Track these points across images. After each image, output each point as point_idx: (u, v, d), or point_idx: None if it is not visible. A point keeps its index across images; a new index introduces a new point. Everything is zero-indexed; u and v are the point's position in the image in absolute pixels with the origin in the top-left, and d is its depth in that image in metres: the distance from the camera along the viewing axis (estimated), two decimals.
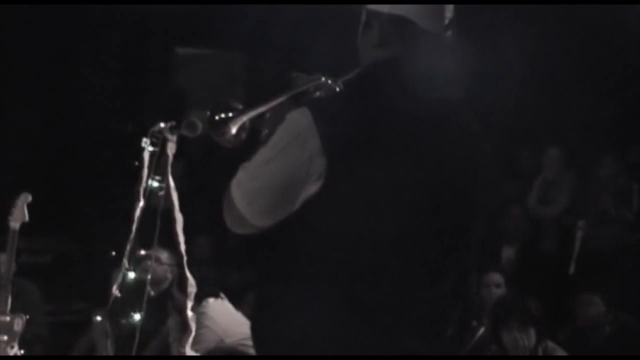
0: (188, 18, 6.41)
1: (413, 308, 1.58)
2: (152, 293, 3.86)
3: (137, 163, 2.74)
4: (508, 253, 5.44)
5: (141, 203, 2.71)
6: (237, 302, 4.05)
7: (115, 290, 2.95)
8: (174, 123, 2.60)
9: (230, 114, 1.71)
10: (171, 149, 2.62)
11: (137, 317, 3.33)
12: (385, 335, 1.56)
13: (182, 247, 2.78)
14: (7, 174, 5.83)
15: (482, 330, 3.82)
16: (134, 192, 2.74)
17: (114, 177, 5.99)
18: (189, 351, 3.01)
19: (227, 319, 3.84)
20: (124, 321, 3.82)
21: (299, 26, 5.56)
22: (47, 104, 6.50)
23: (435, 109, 1.64)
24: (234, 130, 1.71)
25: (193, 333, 2.97)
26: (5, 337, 3.62)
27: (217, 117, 1.71)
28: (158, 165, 2.71)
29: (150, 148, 2.68)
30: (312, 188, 1.56)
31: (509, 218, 5.44)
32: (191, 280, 2.86)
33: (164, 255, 4.06)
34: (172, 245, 2.93)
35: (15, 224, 3.63)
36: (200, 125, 2.14)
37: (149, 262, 3.65)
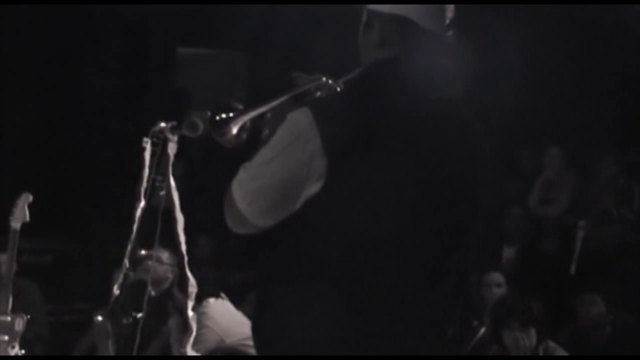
0: (189, 18, 6.42)
1: (414, 308, 1.58)
2: (153, 293, 3.87)
3: (138, 163, 2.75)
4: (508, 253, 5.44)
5: (142, 203, 2.71)
6: (238, 302, 4.05)
7: (116, 290, 2.95)
8: (174, 123, 2.60)
9: (231, 114, 1.71)
10: (172, 149, 2.62)
11: (138, 317, 3.33)
12: (385, 335, 1.56)
13: (183, 247, 2.78)
14: (8, 174, 5.83)
15: (483, 330, 3.82)
16: (134, 192, 2.74)
17: (114, 177, 5.99)
18: (189, 351, 3.01)
19: (227, 319, 3.84)
20: (125, 321, 3.83)
21: (299, 26, 5.56)
22: (47, 103, 6.50)
23: (436, 108, 1.64)
24: (234, 131, 1.71)
25: (194, 333, 2.97)
26: (6, 337, 3.62)
27: (217, 118, 1.71)
28: (159, 165, 2.71)
29: (152, 148, 2.68)
30: (313, 188, 1.56)
31: (510, 218, 5.44)
32: (192, 280, 2.86)
33: (165, 255, 4.06)
34: (173, 245, 2.93)
35: (16, 224, 3.64)
36: (201, 125, 2.14)
37: (149, 262, 3.66)
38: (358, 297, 1.55)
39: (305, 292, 1.56)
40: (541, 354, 3.57)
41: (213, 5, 6.16)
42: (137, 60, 6.85)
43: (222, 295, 3.96)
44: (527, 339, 3.51)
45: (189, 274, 2.87)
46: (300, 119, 1.59)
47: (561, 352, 3.68)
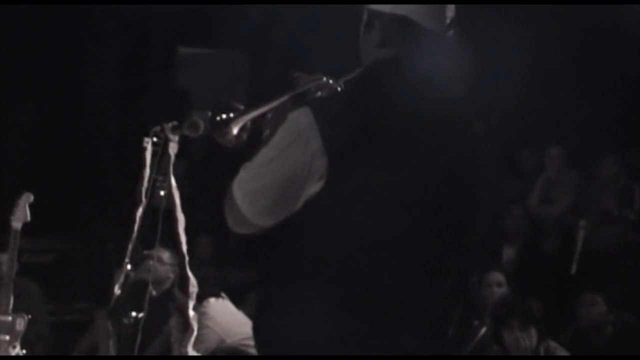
0: (189, 18, 6.42)
1: (414, 308, 1.58)
2: (154, 293, 3.87)
3: (139, 163, 2.75)
4: (508, 253, 5.44)
5: (143, 203, 2.71)
6: (238, 302, 4.05)
7: (117, 290, 2.95)
8: (175, 123, 2.60)
9: (232, 115, 1.71)
10: (173, 149, 2.62)
11: (139, 317, 3.33)
12: (386, 335, 1.56)
13: (184, 247, 2.79)
14: (9, 174, 5.84)
15: (483, 330, 3.82)
16: (135, 192, 2.75)
17: (115, 177, 6.00)
18: (190, 351, 3.01)
19: (228, 318, 3.84)
20: (125, 321, 3.83)
21: (300, 26, 5.56)
22: (48, 103, 6.51)
23: (437, 108, 1.64)
24: (235, 131, 1.72)
25: (195, 333, 2.97)
26: (7, 337, 3.62)
27: (218, 118, 1.71)
28: (160, 165, 2.71)
29: (153, 148, 2.68)
30: (314, 188, 1.56)
31: (510, 218, 5.44)
32: (192, 280, 2.86)
33: (166, 255, 4.07)
34: (174, 245, 2.93)
35: (17, 224, 3.64)
36: (202, 125, 2.14)
37: (150, 262, 3.66)
38: (358, 296, 1.55)
39: (306, 292, 1.56)
40: (542, 353, 3.56)
41: (213, 5, 6.16)
42: (137, 60, 6.85)
43: (223, 295, 3.96)
44: (528, 339, 3.51)
45: (190, 274, 2.87)
46: (300, 118, 1.59)
47: (562, 352, 3.67)
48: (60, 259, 6.09)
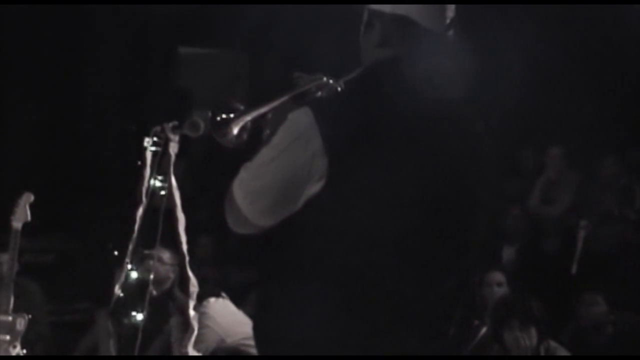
0: (190, 18, 6.42)
1: (414, 308, 1.58)
2: (155, 293, 3.87)
3: (139, 162, 2.75)
4: (508, 253, 5.44)
5: (143, 203, 2.72)
6: (239, 302, 4.05)
7: (117, 290, 2.95)
8: (176, 123, 2.60)
9: (232, 115, 1.71)
10: (173, 148, 2.62)
11: (139, 316, 3.33)
12: (386, 335, 1.56)
13: (184, 247, 2.79)
14: (9, 174, 5.84)
15: (484, 329, 3.82)
16: (136, 191, 2.75)
17: (116, 177, 6.00)
18: (191, 351, 3.01)
19: (228, 318, 3.83)
20: (126, 321, 3.83)
21: (300, 26, 5.56)
22: (49, 103, 6.51)
23: (437, 108, 1.64)
24: (235, 131, 1.72)
25: (195, 332, 2.98)
26: (8, 337, 3.63)
27: (218, 118, 1.71)
28: (160, 165, 2.71)
29: (153, 148, 2.69)
30: (314, 188, 1.56)
31: (509, 218, 5.44)
32: (193, 279, 2.86)
33: (166, 255, 4.07)
34: (174, 245, 2.93)
35: (17, 224, 3.64)
36: (202, 125, 2.15)
37: (151, 262, 3.66)
38: (359, 296, 1.55)
39: (306, 292, 1.56)
40: (542, 353, 3.56)
41: (214, 5, 6.17)
42: (138, 60, 6.86)
43: (223, 294, 3.96)
44: (528, 339, 3.51)
45: (190, 274, 2.87)
46: (301, 118, 1.59)
47: (562, 352, 3.67)
48: (60, 258, 6.09)
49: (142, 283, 3.69)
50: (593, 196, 5.44)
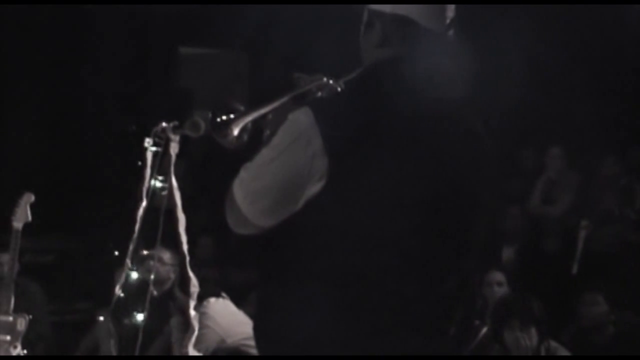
0: (190, 18, 6.42)
1: (415, 308, 1.58)
2: (155, 293, 3.87)
3: (140, 163, 2.75)
4: (508, 253, 5.44)
5: (144, 203, 2.72)
6: (239, 302, 4.05)
7: (118, 290, 2.95)
8: (176, 123, 2.60)
9: (232, 116, 1.71)
10: (174, 149, 2.62)
11: (140, 317, 3.33)
12: (387, 335, 1.56)
13: (185, 247, 2.79)
14: (10, 174, 5.84)
15: (484, 329, 3.82)
16: (136, 192, 2.75)
17: (116, 177, 6.00)
18: (191, 351, 3.01)
19: (228, 318, 3.83)
20: (127, 321, 3.83)
21: (300, 26, 5.56)
22: (49, 103, 6.51)
23: (437, 108, 1.64)
24: (236, 132, 1.72)
25: (196, 333, 2.97)
26: (8, 337, 3.63)
27: (219, 119, 1.71)
28: (161, 165, 2.71)
29: (153, 148, 2.69)
30: (314, 188, 1.56)
31: (508, 218, 5.45)
32: (194, 280, 2.86)
33: (167, 256, 4.07)
34: (175, 245, 2.93)
35: (18, 224, 3.65)
36: (203, 125, 2.14)
37: (151, 262, 3.66)
38: (359, 296, 1.55)
39: (306, 292, 1.56)
40: (543, 353, 3.56)
41: (214, 5, 6.17)
42: (138, 60, 6.86)
43: (223, 294, 3.96)
44: (528, 339, 3.51)
45: (191, 274, 2.87)
46: (301, 119, 1.59)
47: (563, 352, 3.67)
48: (61, 259, 6.10)
49: (142, 283, 3.70)
50: (593, 196, 5.44)
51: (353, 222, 1.56)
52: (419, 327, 1.59)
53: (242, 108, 1.74)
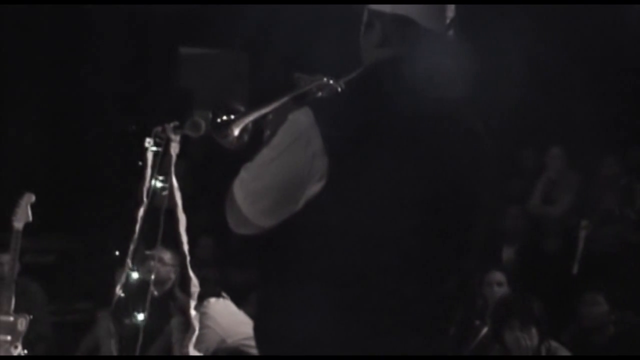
0: (190, 18, 6.42)
1: (415, 308, 1.58)
2: (156, 293, 3.87)
3: (140, 163, 2.75)
4: (508, 253, 5.44)
5: (144, 203, 2.72)
6: (240, 302, 4.05)
7: (118, 290, 2.96)
8: (177, 123, 2.60)
9: (233, 116, 1.72)
10: (174, 149, 2.62)
11: (140, 317, 3.34)
12: (387, 335, 1.56)
13: (185, 247, 2.79)
14: (10, 174, 5.84)
15: (485, 329, 3.82)
16: (137, 192, 2.75)
17: (117, 177, 6.00)
18: (192, 351, 3.02)
19: (228, 318, 3.83)
20: (127, 321, 3.84)
21: (300, 26, 5.56)
22: (49, 103, 6.52)
23: (437, 108, 1.64)
24: (236, 133, 1.72)
25: (196, 332, 2.98)
26: (9, 337, 3.63)
27: (219, 120, 1.71)
28: (161, 165, 2.71)
29: (154, 148, 2.69)
30: (315, 188, 1.57)
31: (508, 218, 5.45)
32: (194, 280, 2.86)
33: (167, 256, 4.07)
34: (175, 245, 2.93)
35: (18, 224, 3.65)
36: (203, 125, 2.14)
37: (152, 263, 3.66)
38: (359, 297, 1.55)
39: (307, 292, 1.56)
40: (543, 353, 3.56)
41: (214, 5, 6.17)
42: (138, 60, 6.86)
43: (224, 294, 3.96)
44: (529, 339, 3.51)
45: (192, 274, 2.87)
46: (301, 119, 1.59)
47: (563, 352, 3.67)
48: (61, 259, 6.10)
49: (143, 283, 3.70)
50: (594, 196, 5.44)
51: (353, 222, 1.56)
52: (419, 327, 1.59)
53: (242, 108, 1.74)
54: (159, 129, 2.65)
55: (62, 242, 6.18)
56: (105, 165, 6.48)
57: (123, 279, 2.94)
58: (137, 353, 2.92)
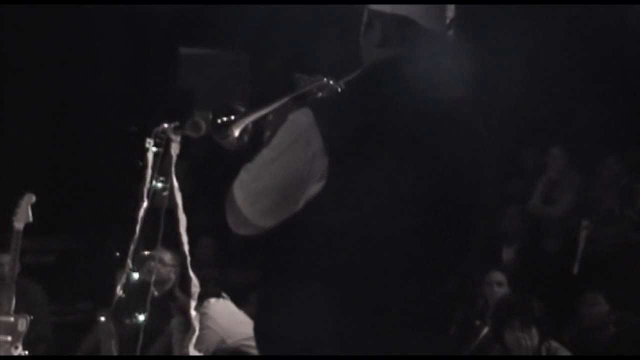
0: (191, 18, 6.42)
1: (416, 308, 1.58)
2: (156, 294, 3.87)
3: (141, 163, 2.75)
4: (508, 253, 5.44)
5: (145, 203, 2.72)
6: (240, 303, 4.06)
7: (119, 291, 2.96)
8: (177, 123, 2.60)
9: (233, 117, 1.72)
10: (175, 149, 2.62)
11: (141, 317, 3.34)
12: (387, 335, 1.56)
13: (186, 247, 2.79)
14: (11, 175, 5.84)
15: (486, 329, 3.83)
16: (137, 192, 2.75)
17: (117, 178, 6.00)
18: (192, 351, 3.02)
19: (228, 319, 3.83)
20: (127, 321, 3.84)
21: (300, 27, 5.56)
22: (50, 104, 6.52)
23: (438, 108, 1.64)
24: (236, 133, 1.72)
25: (196, 333, 2.98)
26: (10, 338, 3.63)
27: (219, 121, 1.71)
28: (162, 165, 2.71)
29: (154, 148, 2.69)
30: (315, 188, 1.57)
31: (508, 218, 5.45)
32: (194, 280, 2.86)
33: (167, 257, 4.07)
34: (175, 246, 2.93)
35: (19, 225, 3.65)
36: (204, 126, 2.14)
37: (152, 263, 3.67)
38: (360, 297, 1.55)
39: (307, 292, 1.56)
40: (544, 353, 3.56)
41: (215, 5, 6.17)
42: (138, 60, 6.86)
43: (224, 295, 3.96)
44: (529, 339, 3.51)
45: (192, 274, 2.87)
46: (301, 119, 1.59)
47: (564, 352, 3.67)
48: (62, 259, 6.10)
49: (143, 284, 3.70)
50: (594, 196, 5.44)
51: (353, 223, 1.56)
52: (419, 327, 1.59)
53: (242, 109, 1.74)
54: (160, 129, 2.65)
55: (62, 243, 6.18)
56: (105, 165, 6.48)
57: (123, 279, 2.94)
58: (138, 353, 2.92)
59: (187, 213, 2.71)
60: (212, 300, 3.84)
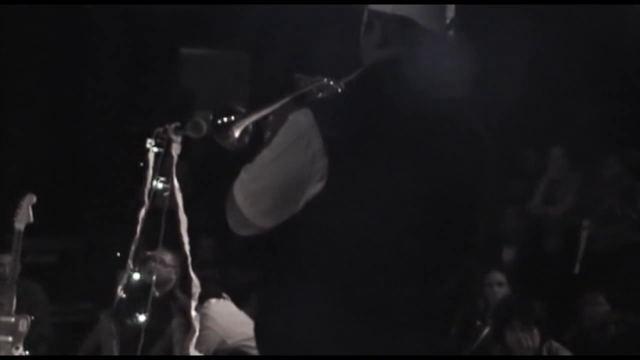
0: (192, 18, 6.42)
1: (417, 308, 1.58)
2: (157, 294, 3.87)
3: (141, 164, 2.75)
4: (509, 253, 5.44)
5: (146, 204, 2.72)
6: (240, 303, 4.06)
7: (120, 291, 2.96)
8: (178, 124, 2.61)
9: (233, 118, 1.72)
10: (176, 149, 2.63)
11: (141, 318, 3.34)
12: (388, 336, 1.56)
13: (186, 248, 2.79)
14: (11, 175, 5.85)
15: (486, 330, 3.83)
16: (138, 193, 2.75)
17: (118, 178, 6.00)
18: (192, 352, 3.02)
19: (228, 319, 3.83)
20: (128, 322, 3.84)
21: (301, 27, 5.56)
22: (50, 104, 6.52)
23: (438, 108, 1.64)
24: (237, 134, 1.72)
25: (197, 333, 2.98)
26: (10, 338, 3.63)
27: (220, 121, 1.71)
28: (163, 166, 2.71)
29: (155, 149, 2.69)
30: (315, 189, 1.57)
31: (509, 218, 5.45)
32: (195, 281, 2.86)
33: (168, 257, 4.07)
34: (176, 246, 2.93)
35: (20, 225, 3.65)
36: (205, 126, 2.15)
37: (153, 264, 3.67)
38: (360, 297, 1.55)
39: (307, 293, 1.56)
40: (545, 353, 3.56)
41: (215, 5, 6.17)
42: (139, 60, 6.86)
43: (224, 295, 3.96)
44: (530, 339, 3.51)
45: (193, 275, 2.87)
46: (301, 119, 1.59)
47: (565, 352, 3.67)
48: (63, 259, 6.10)
49: (144, 284, 3.70)
50: (595, 196, 5.44)
51: (353, 223, 1.56)
52: (420, 327, 1.59)
53: (242, 109, 1.74)
54: (160, 129, 2.65)
55: (63, 243, 6.18)
56: (106, 166, 6.48)
57: (124, 279, 2.95)
58: (138, 354, 2.93)
59: (188, 213, 2.71)
60: (213, 300, 3.84)
